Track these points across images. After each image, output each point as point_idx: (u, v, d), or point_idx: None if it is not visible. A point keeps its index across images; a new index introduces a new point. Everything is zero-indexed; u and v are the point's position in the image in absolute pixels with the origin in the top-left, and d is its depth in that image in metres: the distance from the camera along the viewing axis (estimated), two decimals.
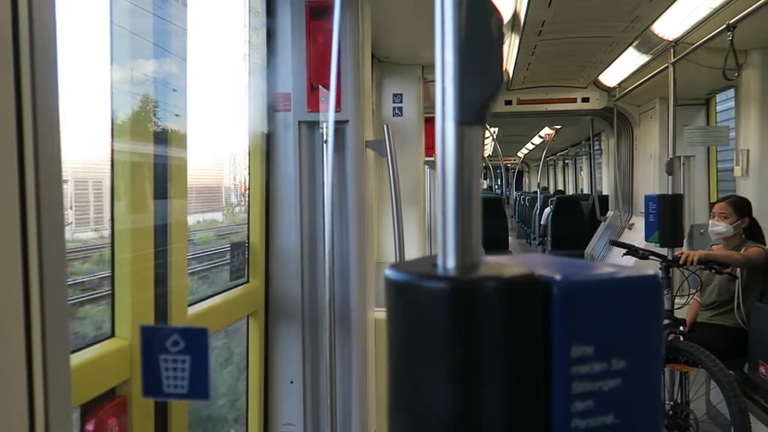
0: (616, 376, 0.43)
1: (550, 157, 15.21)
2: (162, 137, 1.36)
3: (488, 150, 12.14)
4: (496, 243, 7.65)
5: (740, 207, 3.03)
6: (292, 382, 1.85)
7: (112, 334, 1.19)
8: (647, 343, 0.45)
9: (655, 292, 0.45)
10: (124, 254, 1.21)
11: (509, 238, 9.65)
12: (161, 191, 1.33)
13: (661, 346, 0.46)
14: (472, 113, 0.45)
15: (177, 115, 1.44)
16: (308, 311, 1.85)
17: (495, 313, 0.41)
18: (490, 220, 7.91)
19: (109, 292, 1.21)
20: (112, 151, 1.23)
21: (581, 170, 12.61)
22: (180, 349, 0.68)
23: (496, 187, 21.77)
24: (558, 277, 0.43)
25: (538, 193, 11.49)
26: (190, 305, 1.47)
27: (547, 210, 9.41)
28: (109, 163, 1.23)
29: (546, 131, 9.93)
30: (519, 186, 20.85)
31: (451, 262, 0.45)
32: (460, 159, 0.46)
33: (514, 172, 18.63)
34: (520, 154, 15.92)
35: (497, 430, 0.42)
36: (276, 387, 1.87)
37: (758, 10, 2.50)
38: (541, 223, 10.07)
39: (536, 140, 11.59)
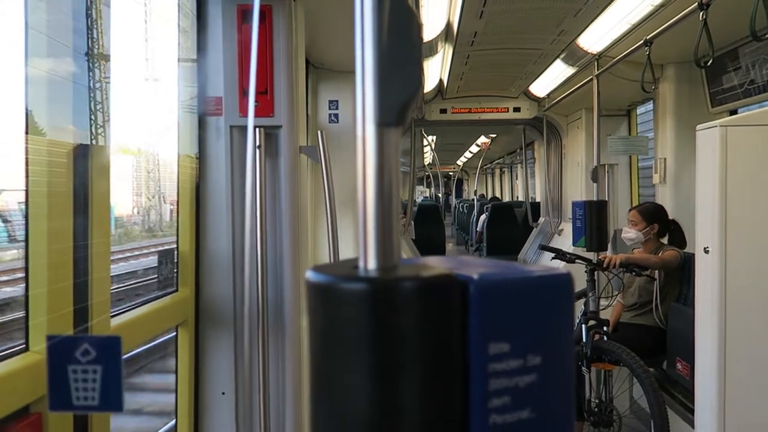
0: (532, 372, 0.45)
1: (488, 165, 15.61)
2: (83, 141, 1.30)
3: (428, 158, 12.32)
4: (433, 250, 7.75)
5: (649, 214, 3.20)
6: (223, 393, 1.80)
7: (26, 348, 1.12)
8: (560, 339, 0.46)
9: (567, 290, 0.47)
10: (39, 262, 1.14)
11: (447, 244, 9.79)
12: (82, 197, 1.27)
13: (572, 342, 0.48)
14: (391, 115, 0.46)
15: (100, 118, 1.38)
16: (240, 320, 1.80)
17: (413, 313, 0.42)
18: (427, 228, 8.01)
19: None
20: (27, 154, 1.16)
21: (516, 178, 13.01)
22: (90, 359, 0.64)
23: (440, 195, 22.07)
24: (475, 276, 0.44)
25: (475, 200, 11.76)
26: (113, 316, 1.40)
27: (483, 217, 9.63)
28: (24, 166, 1.16)
29: (482, 140, 10.17)
30: (459, 193, 21.22)
31: (372, 264, 0.46)
32: (380, 161, 0.46)
33: (454, 179, 18.96)
34: (459, 162, 16.26)
35: (417, 428, 0.42)
36: (207, 399, 1.81)
37: (672, 26, 2.66)
38: (477, 229, 10.29)
39: (474, 149, 11.86)
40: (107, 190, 1.36)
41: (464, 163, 16.06)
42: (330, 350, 0.44)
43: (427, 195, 18.22)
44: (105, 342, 0.66)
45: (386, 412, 0.41)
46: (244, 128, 1.86)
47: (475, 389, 0.43)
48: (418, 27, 0.47)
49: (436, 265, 0.48)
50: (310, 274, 0.45)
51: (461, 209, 14.02)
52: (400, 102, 0.46)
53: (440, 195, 13.63)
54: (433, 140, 9.82)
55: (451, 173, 19.12)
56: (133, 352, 4.68)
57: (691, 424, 2.40)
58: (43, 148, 1.18)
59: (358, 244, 0.47)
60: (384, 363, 0.41)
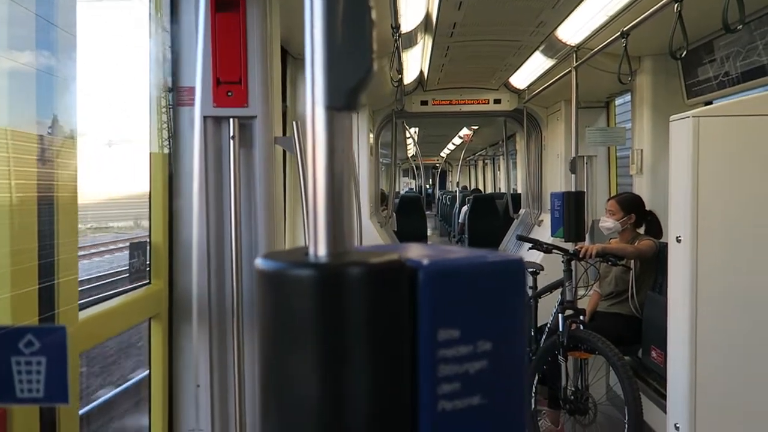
0: (482, 358, 0.44)
1: (471, 157, 15.67)
2: (48, 130, 1.27)
3: (411, 150, 12.33)
4: (415, 241, 7.75)
5: (626, 204, 3.25)
6: (198, 386, 1.79)
7: None
8: (512, 325, 0.46)
9: (519, 276, 0.46)
10: (2, 254, 1.12)
11: (429, 236, 9.81)
12: (46, 183, 1.24)
13: (524, 328, 0.48)
14: (342, 98, 0.45)
15: (65, 105, 1.35)
16: (215, 312, 1.79)
17: (361, 299, 0.41)
18: (409, 219, 8.01)
19: None
20: None
21: (499, 169, 13.07)
22: (34, 350, 0.63)
23: (428, 187, 22.12)
24: (425, 261, 0.43)
25: (457, 192, 11.81)
26: (82, 309, 1.38)
27: (465, 208, 9.66)
28: None
29: (465, 132, 10.18)
30: (443, 185, 21.25)
31: (322, 250, 0.45)
32: (330, 145, 0.45)
33: (438, 171, 19.02)
34: (443, 154, 16.28)
35: (365, 416, 0.41)
36: (181, 391, 1.79)
37: (648, 18, 2.68)
38: (459, 221, 10.33)
39: (457, 140, 11.89)
40: (74, 183, 1.34)
41: (448, 155, 16.11)
42: (277, 338, 0.43)
43: (413, 187, 18.27)
44: (50, 332, 0.64)
45: (334, 400, 0.41)
46: (217, 119, 1.83)
47: (423, 375, 0.43)
48: (371, 9, 0.46)
49: (390, 251, 0.47)
50: (258, 261, 0.44)
51: (444, 201, 14.06)
52: (351, 85, 0.45)
53: (427, 186, 13.69)
54: (415, 132, 9.82)
55: (437, 164, 19.18)
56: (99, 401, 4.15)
57: (664, 409, 2.44)
58: (4, 140, 1.16)
59: (309, 231, 0.46)
60: (331, 350, 0.41)
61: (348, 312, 0.41)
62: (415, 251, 0.48)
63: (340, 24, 0.45)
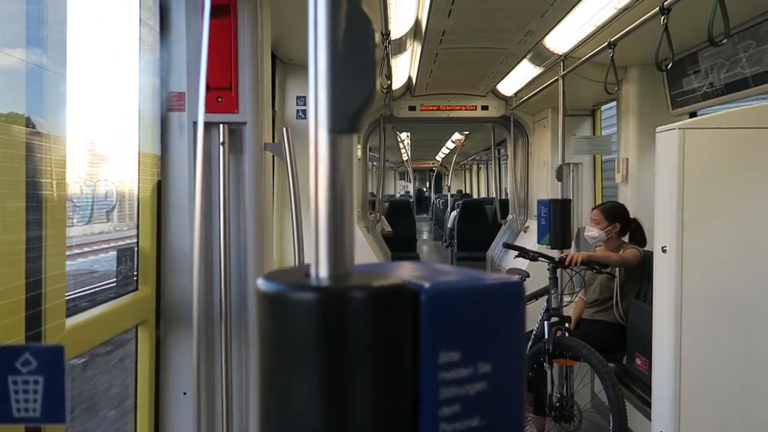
0: (482, 380, 0.45)
1: (464, 161, 15.73)
2: (37, 131, 1.26)
3: (405, 154, 12.36)
4: (404, 245, 7.74)
5: (611, 214, 3.28)
6: (185, 394, 1.78)
7: None
8: (511, 347, 0.47)
9: (518, 298, 0.47)
10: None
11: (418, 240, 9.79)
12: (35, 186, 1.23)
13: (523, 349, 0.49)
14: (345, 121, 0.45)
15: (55, 108, 1.34)
16: (203, 320, 1.78)
17: (364, 322, 0.41)
18: (399, 223, 8.00)
19: None
20: None
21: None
22: (31, 370, 0.62)
23: (425, 190, 22.00)
24: (426, 284, 0.44)
25: (449, 196, 11.83)
26: (69, 316, 1.37)
27: (453, 213, 9.67)
28: None
29: (456, 136, 10.22)
30: (438, 188, 21.25)
31: (323, 272, 0.45)
32: (332, 167, 0.46)
33: (434, 174, 19.06)
34: (438, 158, 16.35)
35: None
36: (168, 399, 1.78)
37: (635, 29, 2.72)
38: (448, 226, 10.34)
39: (450, 145, 11.94)
40: (63, 181, 1.32)
41: (443, 158, 16.18)
42: (278, 360, 0.43)
43: (410, 190, 18.31)
44: (47, 352, 0.64)
45: (336, 424, 0.41)
46: (207, 124, 1.83)
47: (425, 398, 0.43)
48: (373, 32, 0.47)
49: (390, 272, 0.48)
50: (260, 282, 0.45)
51: (438, 205, 14.08)
52: (353, 109, 0.45)
53: (423, 189, 13.73)
54: (407, 136, 9.82)
55: (435, 168, 19.22)
56: None
57: (649, 417, 2.46)
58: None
59: (312, 252, 0.47)
60: (333, 373, 0.41)
61: (350, 335, 0.41)
62: (414, 272, 0.48)
63: (343, 48, 0.45)
